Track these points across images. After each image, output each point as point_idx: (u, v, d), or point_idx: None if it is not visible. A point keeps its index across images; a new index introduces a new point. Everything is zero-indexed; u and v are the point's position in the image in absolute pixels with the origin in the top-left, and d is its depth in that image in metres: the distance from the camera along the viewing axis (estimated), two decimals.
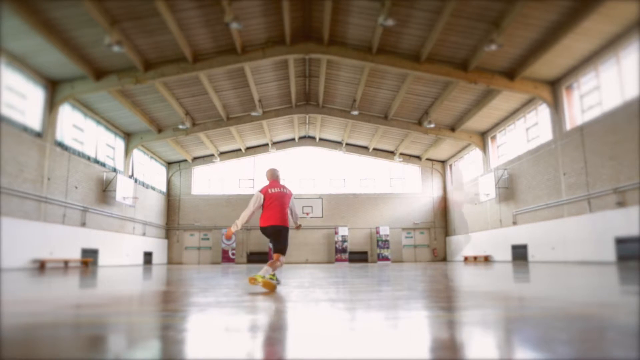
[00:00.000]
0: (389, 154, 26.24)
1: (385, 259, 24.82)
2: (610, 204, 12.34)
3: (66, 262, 14.47)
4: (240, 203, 26.06)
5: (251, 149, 26.12)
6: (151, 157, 23.73)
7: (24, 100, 13.33)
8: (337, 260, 24.67)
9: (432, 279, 6.41)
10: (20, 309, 3.17)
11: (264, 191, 5.25)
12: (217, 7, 12.14)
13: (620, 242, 11.72)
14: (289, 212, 5.32)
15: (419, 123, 20.62)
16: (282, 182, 5.52)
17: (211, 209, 26.12)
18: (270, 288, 4.65)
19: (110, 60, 13.82)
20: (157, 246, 23.77)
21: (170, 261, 25.44)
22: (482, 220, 21.17)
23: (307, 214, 25.70)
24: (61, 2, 10.79)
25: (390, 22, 11.98)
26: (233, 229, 5.18)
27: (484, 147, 20.96)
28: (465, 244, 22.94)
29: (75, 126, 16.34)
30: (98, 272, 10.46)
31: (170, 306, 3.42)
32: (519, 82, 14.93)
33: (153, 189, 23.76)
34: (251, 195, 6.41)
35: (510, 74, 14.89)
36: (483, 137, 20.98)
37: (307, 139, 26.82)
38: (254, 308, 3.17)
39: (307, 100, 21.17)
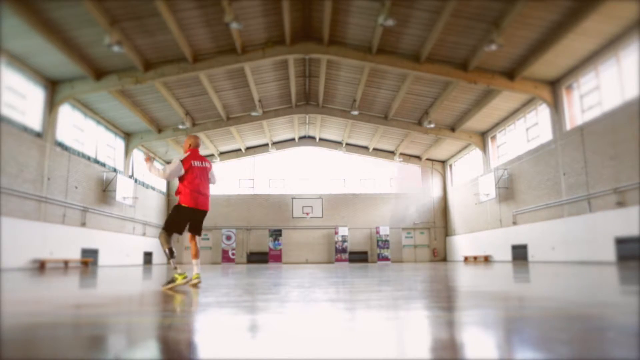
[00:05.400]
0: (389, 154, 26.23)
1: (385, 259, 24.81)
2: (610, 204, 12.34)
3: (66, 262, 14.47)
4: (240, 203, 26.07)
5: (251, 149, 26.12)
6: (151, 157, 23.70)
7: (24, 100, 13.33)
8: (337, 260, 24.66)
9: (432, 279, 6.41)
10: (20, 309, 3.17)
11: (187, 163, 4.71)
12: (217, 7, 12.15)
13: (620, 242, 11.72)
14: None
15: (419, 123, 20.62)
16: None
17: (211, 209, 25.84)
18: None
19: (110, 60, 13.83)
20: (157, 246, 23.71)
21: None
22: (482, 220, 21.16)
23: (307, 214, 25.70)
24: (61, 2, 10.79)
25: (390, 22, 11.99)
26: (149, 167, 4.83)
27: (484, 147, 20.96)
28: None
29: (75, 126, 16.34)
30: (98, 272, 10.46)
31: (170, 306, 3.42)
32: (519, 82, 14.93)
33: (153, 189, 23.76)
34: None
35: (510, 74, 14.89)
36: (483, 137, 20.98)
37: (307, 139, 26.82)
38: (254, 308, 3.18)
39: (307, 100, 21.18)
